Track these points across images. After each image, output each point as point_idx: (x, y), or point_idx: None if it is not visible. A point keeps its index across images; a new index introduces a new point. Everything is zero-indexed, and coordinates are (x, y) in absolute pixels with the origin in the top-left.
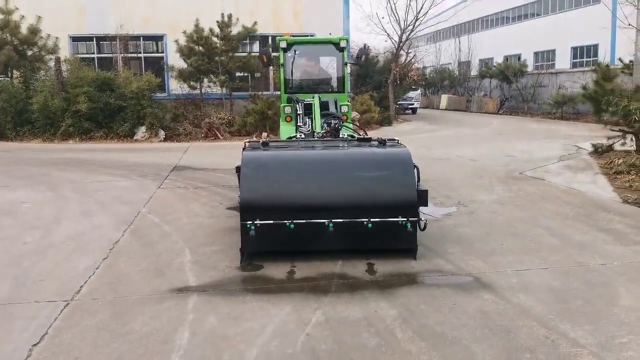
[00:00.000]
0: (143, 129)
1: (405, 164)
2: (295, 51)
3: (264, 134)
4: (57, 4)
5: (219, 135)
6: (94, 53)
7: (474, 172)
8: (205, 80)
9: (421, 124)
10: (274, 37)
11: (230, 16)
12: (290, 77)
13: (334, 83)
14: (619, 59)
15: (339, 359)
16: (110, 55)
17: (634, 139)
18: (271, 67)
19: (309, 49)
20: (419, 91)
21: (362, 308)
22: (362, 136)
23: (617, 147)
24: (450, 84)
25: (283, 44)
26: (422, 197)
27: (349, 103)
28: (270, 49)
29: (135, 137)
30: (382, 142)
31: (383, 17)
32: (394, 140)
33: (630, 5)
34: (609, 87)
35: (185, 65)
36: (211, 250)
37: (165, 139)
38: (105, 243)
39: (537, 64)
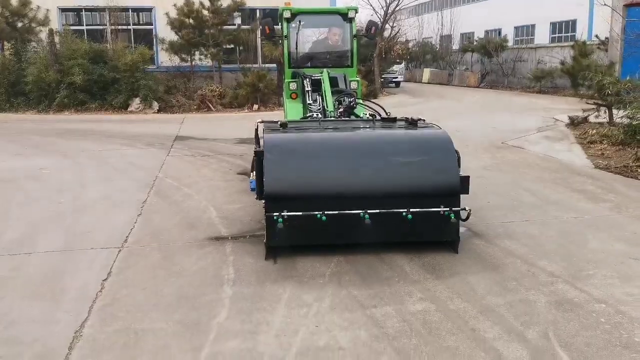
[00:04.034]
0: (137, 100)
1: (446, 148)
2: (299, 22)
3: (255, 106)
4: None
5: (211, 107)
6: (83, 25)
7: (460, 141)
8: (197, 53)
9: (406, 97)
10: (262, 10)
11: None
12: (295, 50)
13: (342, 57)
14: (596, 36)
15: (364, 283)
16: (100, 27)
17: (607, 111)
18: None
19: (314, 19)
20: (402, 65)
21: (375, 252)
22: (385, 116)
23: (592, 119)
24: (433, 58)
25: (286, 14)
26: (464, 185)
27: (358, 78)
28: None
29: (129, 109)
30: (412, 123)
31: None
32: (422, 120)
33: None
34: (585, 63)
35: (175, 38)
36: (233, 208)
37: (159, 111)
38: (134, 202)
39: (517, 38)
